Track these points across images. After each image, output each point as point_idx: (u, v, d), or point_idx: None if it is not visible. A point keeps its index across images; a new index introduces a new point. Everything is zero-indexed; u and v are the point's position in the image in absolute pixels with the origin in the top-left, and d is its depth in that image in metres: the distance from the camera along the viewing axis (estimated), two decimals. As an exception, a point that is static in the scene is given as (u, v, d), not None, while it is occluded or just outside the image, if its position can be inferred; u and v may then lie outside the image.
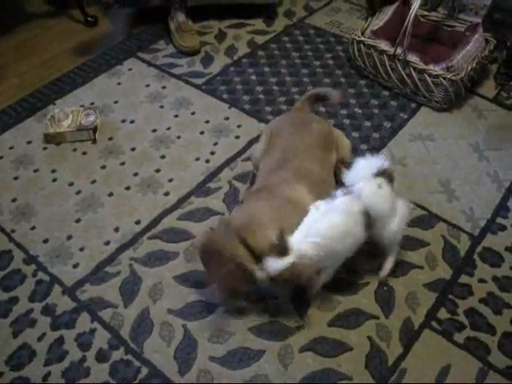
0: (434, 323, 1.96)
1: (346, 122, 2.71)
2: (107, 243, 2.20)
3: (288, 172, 2.04)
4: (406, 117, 2.75)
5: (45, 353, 1.90)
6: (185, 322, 1.96)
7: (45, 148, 2.61)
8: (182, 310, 1.99)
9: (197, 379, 1.82)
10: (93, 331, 1.95)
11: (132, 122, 2.71)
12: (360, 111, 2.78)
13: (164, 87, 2.90)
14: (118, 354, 1.89)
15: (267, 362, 1.86)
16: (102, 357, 1.88)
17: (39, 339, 1.94)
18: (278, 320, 1.97)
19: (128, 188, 2.41)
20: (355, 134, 2.65)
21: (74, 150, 2.60)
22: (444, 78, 2.66)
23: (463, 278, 2.10)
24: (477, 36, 2.87)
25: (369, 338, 1.92)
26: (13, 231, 2.27)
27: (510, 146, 2.63)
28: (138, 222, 2.27)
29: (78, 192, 2.40)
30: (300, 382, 1.81)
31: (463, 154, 2.58)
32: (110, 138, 2.64)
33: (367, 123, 2.71)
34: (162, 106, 2.79)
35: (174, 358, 1.87)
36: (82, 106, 2.78)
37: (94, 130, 2.62)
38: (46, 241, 2.23)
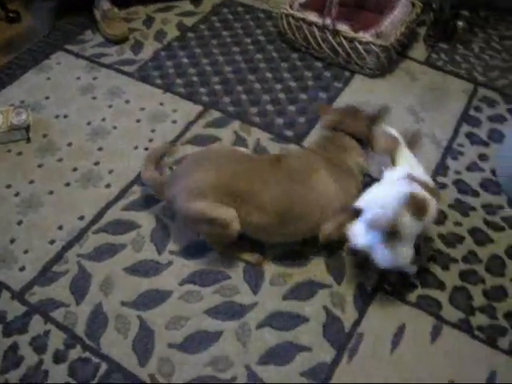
0: (386, 286, 2.00)
1: (282, 96, 2.71)
2: (52, 242, 2.15)
3: None
4: (340, 86, 2.78)
5: (0, 361, 1.85)
6: (139, 313, 1.94)
7: (-23, 151, 2.53)
8: (136, 300, 1.97)
9: (157, 368, 1.81)
10: (47, 333, 1.91)
11: (65, 116, 2.64)
12: (295, 84, 2.78)
13: (95, 78, 2.83)
14: (75, 353, 1.85)
15: (226, 343, 1.87)
16: (59, 358, 1.85)
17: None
18: (232, 300, 1.97)
19: (68, 184, 2.35)
20: (292, 108, 2.66)
21: (8, 151, 2.51)
22: (374, 45, 2.69)
23: (410, 239, 2.15)
24: (403, 1, 2.91)
25: (324, 307, 1.95)
26: (-48, 242, 2.20)
27: (444, 106, 2.69)
28: (81, 218, 2.23)
29: (17, 194, 2.33)
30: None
31: (400, 117, 2.61)
32: (45, 136, 2.56)
33: (303, 95, 2.72)
34: (94, 98, 2.73)
35: (132, 350, 1.85)
36: (12, 105, 2.68)
37: (27, 128, 2.54)
38: (-13, 247, 2.17)
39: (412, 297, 1.98)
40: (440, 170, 2.39)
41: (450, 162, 2.43)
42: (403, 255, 1.83)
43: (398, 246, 1.78)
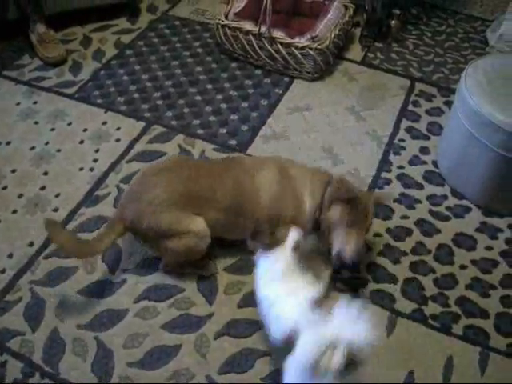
0: (337, 283, 2.04)
1: (224, 106, 2.74)
2: (3, 271, 2.12)
3: None
4: (280, 92, 2.82)
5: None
6: (96, 334, 1.93)
7: None
8: (92, 322, 1.96)
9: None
10: (4, 364, 1.87)
11: (8, 143, 2.60)
12: (236, 93, 2.82)
13: (35, 102, 2.80)
14: (34, 381, 1.83)
15: (185, 355, 1.87)
16: (18, 388, 1.83)
17: None
18: (188, 312, 1.98)
19: (15, 211, 2.32)
20: (234, 117, 2.69)
21: (-48, 183, 2.48)
22: (310, 49, 2.74)
23: (359, 236, 2.19)
24: (335, 4, 2.98)
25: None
26: None
27: (383, 104, 2.76)
28: (31, 244, 2.20)
29: (-37, 225, 2.30)
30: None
31: (341, 118, 2.67)
32: (-12, 164, 2.53)
33: (244, 104, 2.75)
34: (36, 122, 2.70)
35: (91, 372, 1.83)
36: (-49, 135, 2.64)
37: (-31, 158, 2.51)
38: None
39: (365, 292, 2.02)
40: (383, 166, 2.45)
41: (392, 157, 2.49)
42: None
43: None
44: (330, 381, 1.43)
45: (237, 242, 2.09)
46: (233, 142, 2.56)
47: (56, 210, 2.32)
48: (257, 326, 1.92)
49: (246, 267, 2.07)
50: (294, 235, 1.75)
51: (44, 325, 1.96)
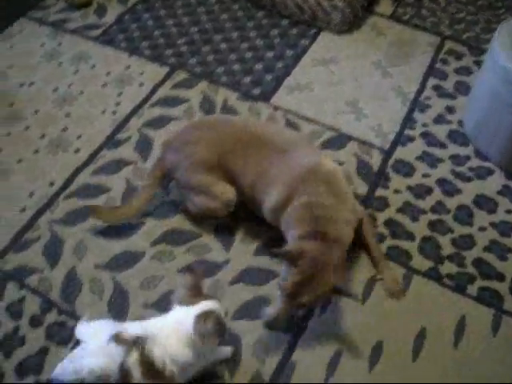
0: (355, 237, 2.04)
1: (248, 54, 2.71)
2: (23, 210, 2.15)
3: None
4: (307, 43, 2.77)
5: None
6: (113, 275, 1.96)
7: None
8: (109, 263, 1.99)
9: (133, 328, 1.83)
10: (22, 299, 1.92)
11: (31, 84, 2.60)
12: (261, 42, 2.77)
13: (60, 44, 2.79)
14: (51, 317, 1.87)
15: (200, 299, 1.89)
16: (35, 322, 1.86)
17: None
18: (204, 258, 2.00)
19: (37, 151, 2.34)
20: (258, 66, 2.65)
21: (-25, 121, 2.49)
22: (339, 0, 2.67)
23: (379, 192, 2.18)
24: (367, -46, 2.89)
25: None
26: None
27: (410, 60, 2.70)
28: (52, 184, 2.22)
29: (-15, 164, 2.33)
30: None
31: (367, 72, 2.63)
32: (11, 105, 2.53)
33: (269, 53, 2.71)
34: (60, 64, 2.69)
35: (107, 311, 1.87)
36: (-25, 74, 2.65)
37: (-8, 98, 2.52)
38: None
39: (383, 247, 2.01)
40: (407, 123, 2.42)
41: (417, 115, 2.45)
42: None
43: None
44: None
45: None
46: (256, 91, 2.53)
47: (77, 151, 2.33)
48: (272, 274, 1.94)
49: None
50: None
51: (62, 263, 1.99)
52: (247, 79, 2.59)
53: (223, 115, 2.40)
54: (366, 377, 1.74)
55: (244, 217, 2.09)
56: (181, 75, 2.61)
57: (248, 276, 1.95)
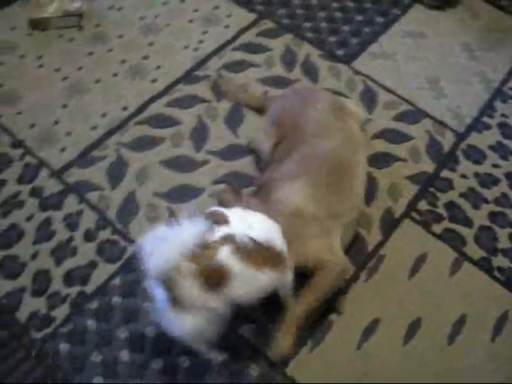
0: (413, 214, 2.02)
1: (338, 15, 2.67)
2: (94, 128, 2.20)
3: (291, 163, 1.83)
4: (398, 13, 2.71)
5: (33, 233, 1.94)
6: (170, 205, 2.00)
7: (30, 34, 2.54)
8: (168, 193, 2.03)
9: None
10: (80, 212, 1.98)
11: (119, 9, 2.64)
12: (352, 5, 2.72)
13: (153, -26, 2.81)
14: (104, 234, 1.93)
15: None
16: (89, 236, 1.93)
17: (27, 220, 1.97)
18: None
19: (115, 75, 2.38)
20: (346, 28, 2.61)
21: (60, 36, 2.54)
22: (438, -27, 2.61)
23: (445, 173, 2.15)
24: None
25: (350, 225, 1.98)
26: (-1, 116, 2.27)
27: (501, 48, 2.61)
28: (125, 108, 2.26)
29: (65, 78, 2.37)
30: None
31: (454, 52, 2.56)
32: (97, 25, 2.57)
33: (359, 17, 2.67)
34: (150, -7, 2.72)
35: (159, 238, 1.91)
36: (68, -9, 2.69)
37: (80, 16, 2.55)
38: (32, 125, 2.22)
39: (438, 229, 2.00)
40: (486, 110, 2.36)
41: (498, 104, 2.39)
42: (183, 325, 1.43)
43: (177, 312, 1.40)
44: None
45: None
46: (340, 53, 2.50)
47: (154, 80, 2.36)
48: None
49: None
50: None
51: (123, 185, 2.05)
52: (332, 39, 2.55)
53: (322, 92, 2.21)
54: (399, 349, 1.74)
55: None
56: (267, 24, 2.60)
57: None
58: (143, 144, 2.15)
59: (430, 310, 1.83)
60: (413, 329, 1.78)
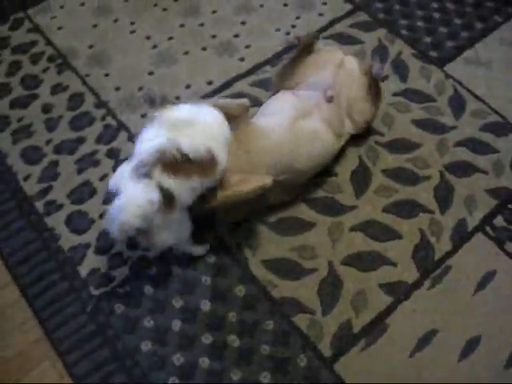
0: (488, 228, 1.95)
1: (436, 15, 2.59)
2: (177, 98, 2.22)
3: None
4: (500, 20, 2.60)
5: (105, 192, 1.97)
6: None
7: (126, 0, 2.59)
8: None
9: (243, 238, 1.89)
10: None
11: (216, -15, 2.65)
12: (452, 7, 2.63)
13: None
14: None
15: (316, 235, 1.90)
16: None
17: (101, 179, 2.02)
18: (333, 197, 1.99)
19: (204, 49, 2.39)
20: (443, 29, 2.53)
21: (155, 5, 2.57)
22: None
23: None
24: None
25: (420, 230, 1.93)
26: (87, 75, 2.32)
27: None
28: (210, 83, 2.28)
29: (154, 46, 2.41)
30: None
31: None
32: (192, -1, 2.60)
33: (458, 20, 2.58)
34: (248, -26, 2.71)
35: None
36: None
37: (178, -13, 2.58)
38: (117, 88, 2.27)
39: (511, 247, 1.92)
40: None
41: None
42: (164, 240, 1.67)
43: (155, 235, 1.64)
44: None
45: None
46: (433, 54, 2.42)
47: (242, 59, 2.36)
48: (394, 234, 1.91)
49: (405, 176, 2.05)
50: None
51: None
52: (427, 39, 2.48)
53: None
54: (453, 364, 1.69)
55: (385, 167, 2.07)
56: (362, 16, 2.55)
57: (370, 228, 1.92)
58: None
59: (492, 329, 1.76)
60: (471, 346, 1.72)
